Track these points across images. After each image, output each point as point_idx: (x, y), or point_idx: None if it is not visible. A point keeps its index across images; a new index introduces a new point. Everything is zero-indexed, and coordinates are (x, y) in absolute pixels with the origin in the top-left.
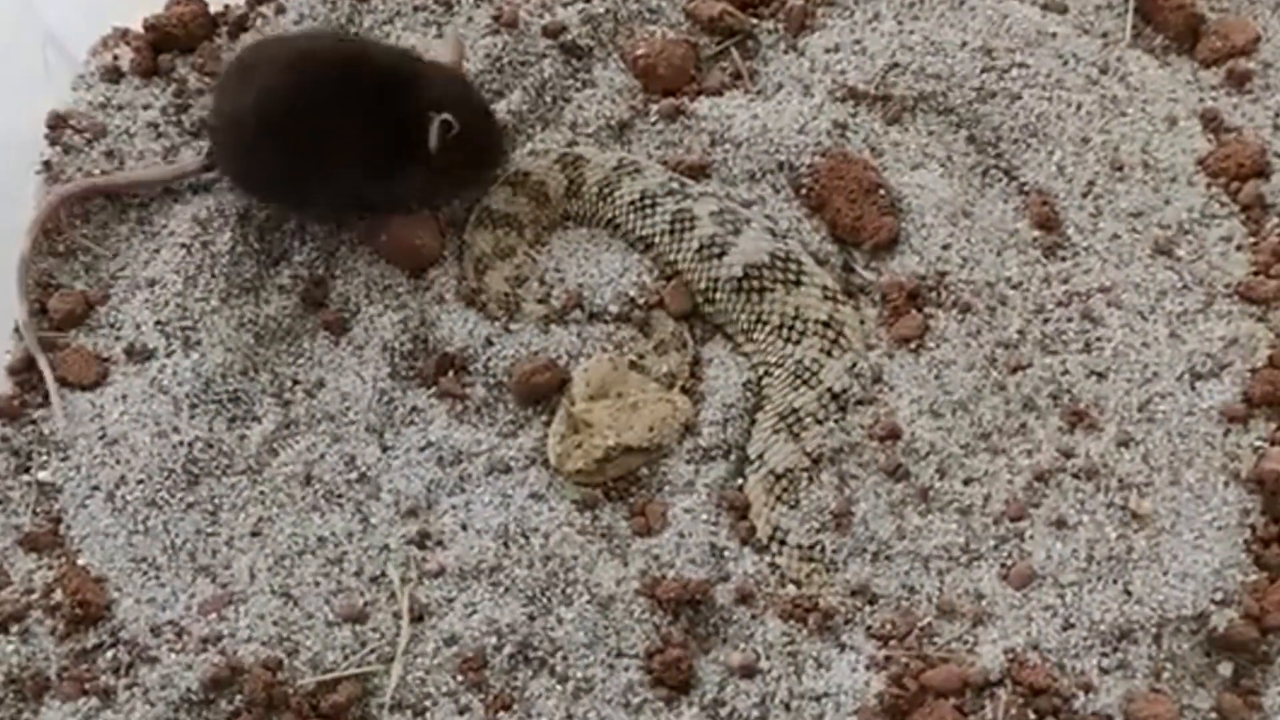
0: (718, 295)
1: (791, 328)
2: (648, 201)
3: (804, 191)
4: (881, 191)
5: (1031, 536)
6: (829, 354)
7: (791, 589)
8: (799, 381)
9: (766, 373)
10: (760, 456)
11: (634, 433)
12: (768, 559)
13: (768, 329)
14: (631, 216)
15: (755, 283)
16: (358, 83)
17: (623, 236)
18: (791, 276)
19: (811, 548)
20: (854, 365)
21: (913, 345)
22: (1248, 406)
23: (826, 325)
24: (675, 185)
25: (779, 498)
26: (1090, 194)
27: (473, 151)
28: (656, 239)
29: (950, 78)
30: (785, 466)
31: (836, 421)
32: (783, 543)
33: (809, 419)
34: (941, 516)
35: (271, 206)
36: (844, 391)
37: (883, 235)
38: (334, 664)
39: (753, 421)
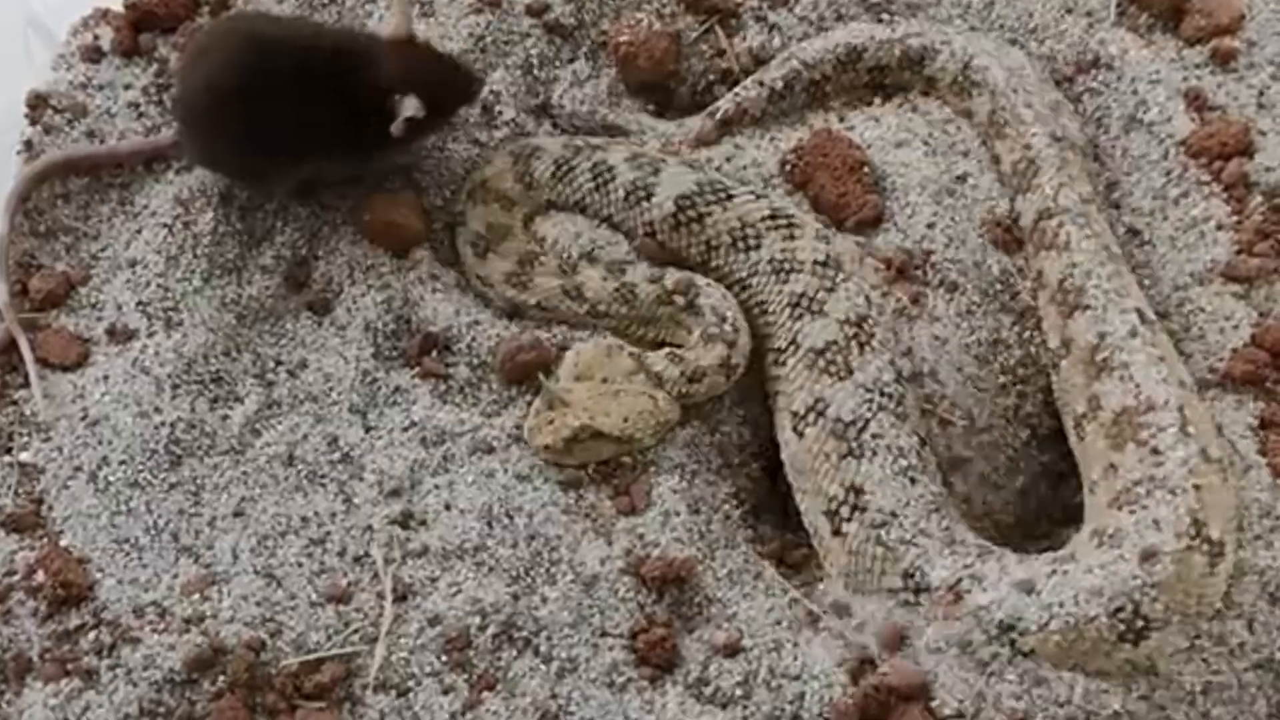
0: (660, 237)
1: (744, 237)
2: (564, 168)
3: (788, 168)
4: (866, 169)
5: None
6: (792, 238)
7: (769, 570)
8: (782, 275)
9: (743, 288)
10: (793, 343)
11: (608, 419)
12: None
13: (722, 250)
14: (559, 187)
15: (690, 213)
16: (308, 62)
17: (561, 210)
18: (722, 195)
19: (850, 424)
20: (818, 233)
21: (907, 314)
22: (1234, 385)
23: (773, 218)
24: (580, 143)
25: (824, 370)
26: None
27: (442, 106)
28: (586, 200)
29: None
30: (826, 340)
31: (844, 283)
32: (821, 415)
33: (819, 293)
34: None
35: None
36: (828, 257)
37: (867, 212)
38: (317, 644)
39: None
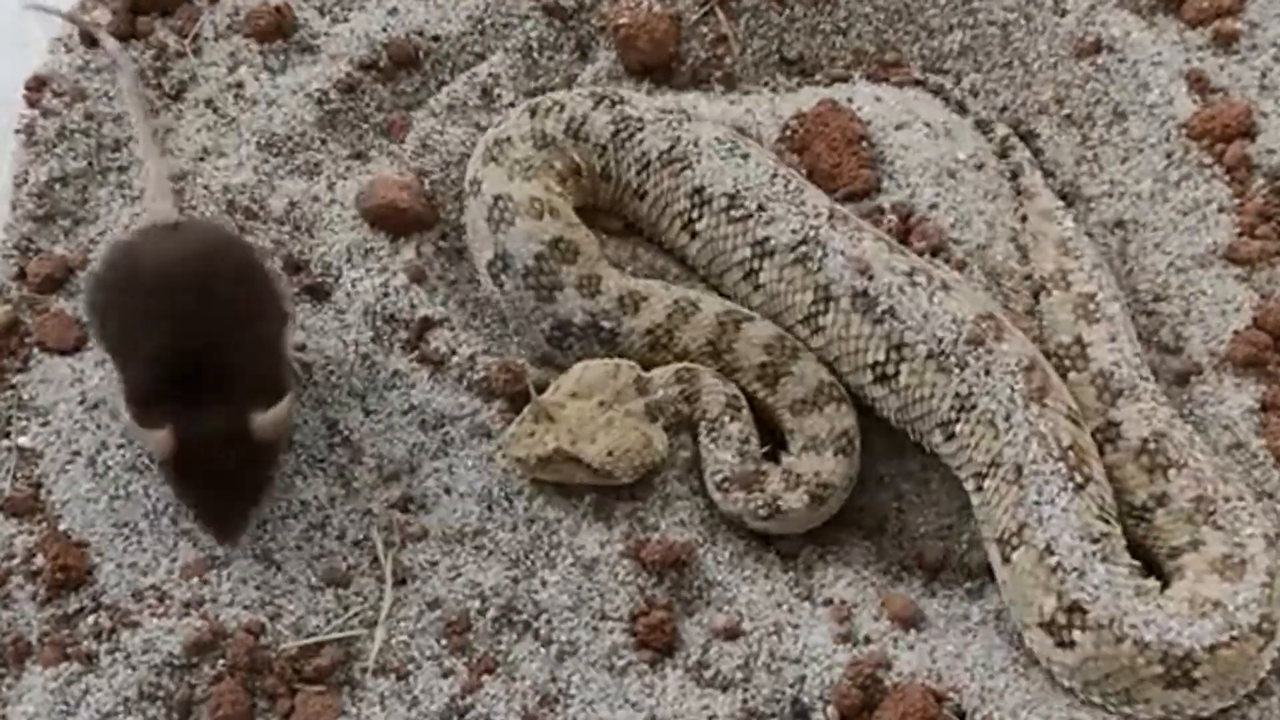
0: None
1: (682, 156)
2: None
3: (788, 133)
4: (864, 144)
5: None
6: (732, 151)
7: (769, 554)
8: (719, 162)
9: (640, 195)
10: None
11: (590, 448)
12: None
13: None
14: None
15: (634, 140)
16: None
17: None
18: (674, 119)
19: (801, 243)
20: (762, 160)
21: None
22: (1235, 368)
23: (721, 141)
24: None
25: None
26: (1076, 157)
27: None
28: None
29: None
30: (784, 242)
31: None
32: (770, 254)
33: (746, 197)
34: None
35: None
36: (669, 107)
37: (858, 186)
38: (317, 628)
39: None
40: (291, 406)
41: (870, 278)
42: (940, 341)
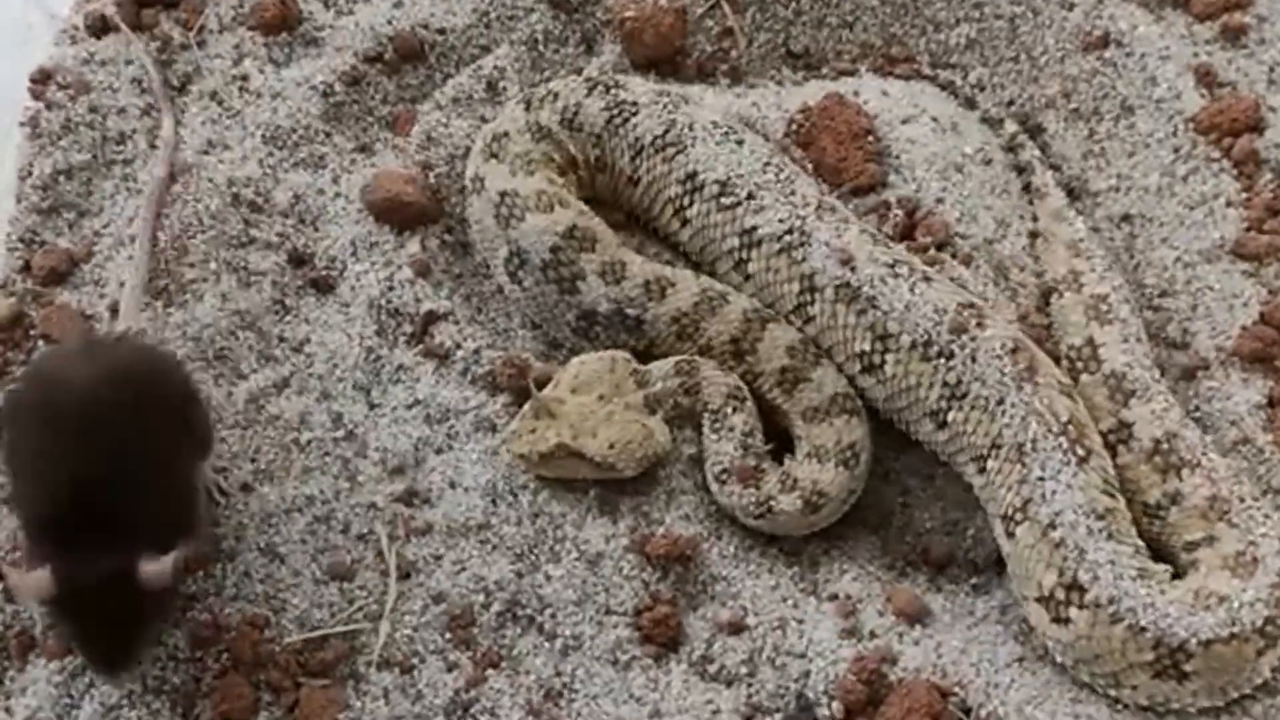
0: (623, 170)
1: (676, 141)
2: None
3: (794, 128)
4: (870, 138)
5: None
6: (726, 136)
7: (777, 550)
8: (713, 147)
9: (633, 181)
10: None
11: (592, 442)
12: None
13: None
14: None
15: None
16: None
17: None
18: (670, 102)
19: (787, 232)
20: (756, 147)
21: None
22: (1242, 363)
23: (716, 126)
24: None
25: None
26: (1082, 151)
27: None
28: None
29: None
30: (770, 231)
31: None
32: (757, 244)
33: (737, 184)
34: None
35: None
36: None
37: (863, 180)
38: (321, 622)
39: None
40: (186, 554)
41: (853, 269)
42: (923, 332)
